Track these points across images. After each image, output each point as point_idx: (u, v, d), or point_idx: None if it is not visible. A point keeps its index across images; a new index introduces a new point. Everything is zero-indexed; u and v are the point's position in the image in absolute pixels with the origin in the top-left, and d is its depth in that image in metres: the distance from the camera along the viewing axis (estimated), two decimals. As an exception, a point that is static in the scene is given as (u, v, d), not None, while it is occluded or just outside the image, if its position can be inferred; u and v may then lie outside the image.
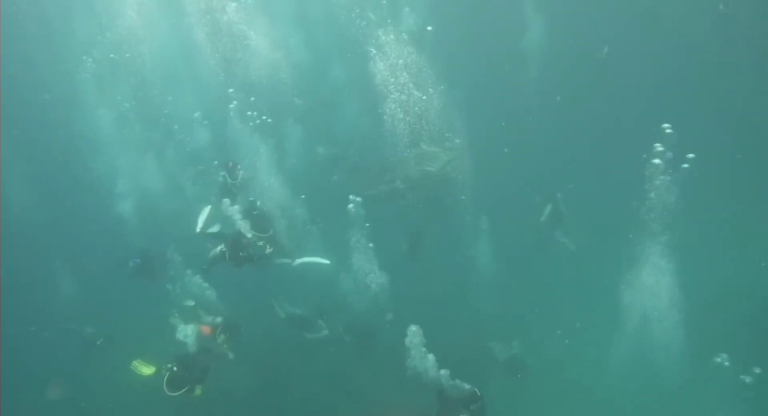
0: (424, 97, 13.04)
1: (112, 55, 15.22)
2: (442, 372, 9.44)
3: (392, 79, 12.82)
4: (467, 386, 7.94)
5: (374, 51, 12.77)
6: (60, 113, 17.02)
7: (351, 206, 11.53)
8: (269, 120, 14.06)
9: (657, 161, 10.38)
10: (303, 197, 13.57)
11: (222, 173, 11.84)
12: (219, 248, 10.20)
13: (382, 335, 11.60)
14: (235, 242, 9.92)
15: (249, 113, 13.73)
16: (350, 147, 16.92)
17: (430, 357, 9.50)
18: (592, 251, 14.51)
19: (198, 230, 11.25)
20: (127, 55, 15.11)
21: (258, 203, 11.17)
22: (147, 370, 8.89)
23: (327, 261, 11.16)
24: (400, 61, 12.81)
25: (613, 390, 11.79)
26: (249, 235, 10.45)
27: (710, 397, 10.82)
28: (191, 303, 10.79)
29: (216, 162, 13.55)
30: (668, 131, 10.14)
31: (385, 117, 13.24)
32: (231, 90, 13.72)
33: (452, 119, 14.62)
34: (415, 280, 13.27)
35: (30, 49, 16.79)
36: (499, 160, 16.49)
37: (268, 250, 10.12)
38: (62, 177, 18.05)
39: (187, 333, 10.39)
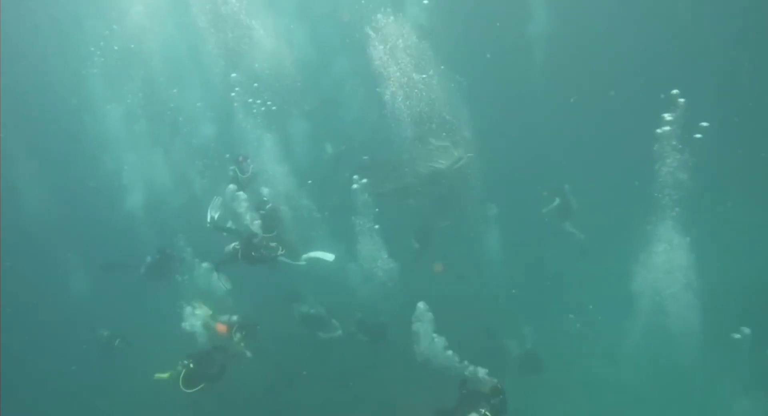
0: (427, 86, 12.76)
1: (115, 47, 15.10)
2: (449, 352, 9.23)
3: (395, 71, 12.56)
4: (488, 377, 7.66)
5: (373, 34, 12.53)
6: (68, 109, 17.00)
7: (355, 186, 11.31)
8: (274, 107, 13.87)
9: (666, 128, 9.90)
10: (309, 182, 13.38)
11: (232, 167, 11.65)
12: (233, 245, 10.00)
13: (394, 331, 11.24)
14: (247, 243, 9.73)
15: (251, 100, 13.45)
16: (357, 144, 16.56)
17: (440, 340, 9.29)
18: (602, 235, 14.11)
19: (208, 222, 10.85)
20: (132, 46, 15.05)
21: (268, 204, 10.98)
22: (165, 375, 8.52)
23: (331, 257, 10.61)
24: (402, 46, 12.54)
25: (628, 379, 11.52)
26: (258, 233, 10.21)
27: (731, 381, 10.42)
28: (209, 312, 10.45)
29: (227, 155, 13.35)
30: (680, 100, 9.59)
31: (391, 112, 12.94)
32: (234, 75, 13.55)
33: (459, 110, 14.21)
34: (426, 276, 12.97)
35: (36, 45, 16.83)
36: (508, 151, 16.07)
37: (281, 251, 9.77)
38: (70, 175, 18.05)
39: (194, 322, 10.13)
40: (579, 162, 15.72)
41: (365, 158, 15.51)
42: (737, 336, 10.60)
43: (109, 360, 12.35)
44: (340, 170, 16.00)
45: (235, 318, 9.71)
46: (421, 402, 7.35)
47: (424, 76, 12.43)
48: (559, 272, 14.45)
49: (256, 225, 10.33)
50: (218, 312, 10.25)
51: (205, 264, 11.63)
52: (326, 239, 13.12)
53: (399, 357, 10.66)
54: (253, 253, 9.58)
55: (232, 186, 10.98)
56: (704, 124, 9.62)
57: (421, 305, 9.25)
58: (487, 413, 6.25)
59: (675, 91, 9.34)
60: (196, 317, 10.43)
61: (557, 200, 13.82)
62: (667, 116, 9.70)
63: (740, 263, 13.57)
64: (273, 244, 9.74)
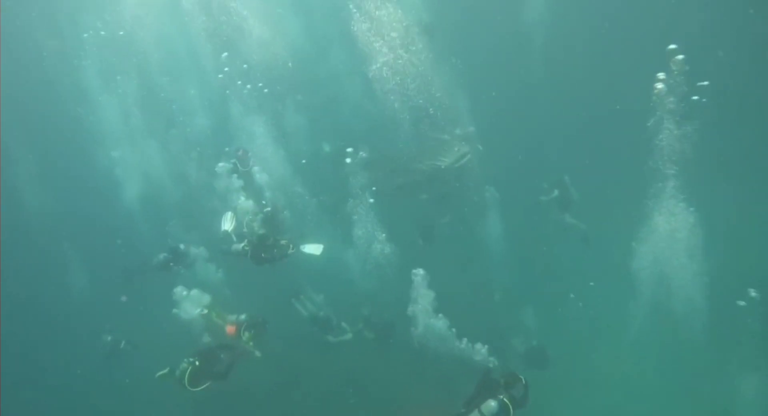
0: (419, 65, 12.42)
1: (102, 33, 14.56)
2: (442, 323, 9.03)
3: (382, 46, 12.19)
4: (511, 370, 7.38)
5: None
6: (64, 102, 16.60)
7: (348, 160, 10.93)
8: (266, 90, 13.48)
9: (660, 86, 9.18)
10: (303, 161, 13.01)
11: (233, 161, 11.59)
12: (242, 245, 9.65)
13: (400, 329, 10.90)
14: (259, 244, 9.43)
15: (240, 81, 13.10)
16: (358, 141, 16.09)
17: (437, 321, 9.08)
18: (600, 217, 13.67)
19: (222, 233, 10.64)
20: (121, 33, 14.59)
21: (267, 208, 10.67)
22: (165, 370, 8.13)
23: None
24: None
25: (633, 366, 11.42)
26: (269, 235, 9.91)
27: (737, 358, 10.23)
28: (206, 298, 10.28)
29: (227, 149, 12.90)
30: (678, 57, 8.74)
31: (389, 105, 12.67)
32: (225, 54, 13.21)
33: (454, 93, 13.89)
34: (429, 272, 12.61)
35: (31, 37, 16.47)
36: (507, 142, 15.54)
37: (291, 250, 9.48)
38: (67, 169, 17.66)
39: (188, 308, 9.95)
40: (577, 147, 15.26)
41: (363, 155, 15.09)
42: (741, 303, 10.22)
43: (115, 363, 12.00)
44: (338, 167, 15.60)
45: (243, 316, 9.40)
46: (430, 402, 7.04)
47: (412, 48, 12.03)
48: (560, 259, 14.19)
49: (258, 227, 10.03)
50: (216, 301, 10.07)
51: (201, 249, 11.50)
52: (323, 225, 13.08)
53: (405, 354, 10.52)
54: (263, 254, 9.35)
55: (221, 164, 11.07)
56: (704, 83, 9.08)
57: (419, 273, 8.92)
58: (506, 400, 6.25)
59: (672, 47, 8.87)
60: (191, 301, 10.12)
61: (555, 192, 13.36)
62: (662, 76, 9.18)
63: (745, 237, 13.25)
64: (283, 242, 9.48)
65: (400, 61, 12.26)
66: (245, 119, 13.81)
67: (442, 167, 13.45)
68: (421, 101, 12.70)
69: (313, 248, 9.80)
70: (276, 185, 12.41)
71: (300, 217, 12.99)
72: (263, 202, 10.94)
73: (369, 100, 15.20)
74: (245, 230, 9.93)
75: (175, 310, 10.22)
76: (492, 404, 6.24)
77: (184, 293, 10.08)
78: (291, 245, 9.46)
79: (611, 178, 14.58)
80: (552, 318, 12.80)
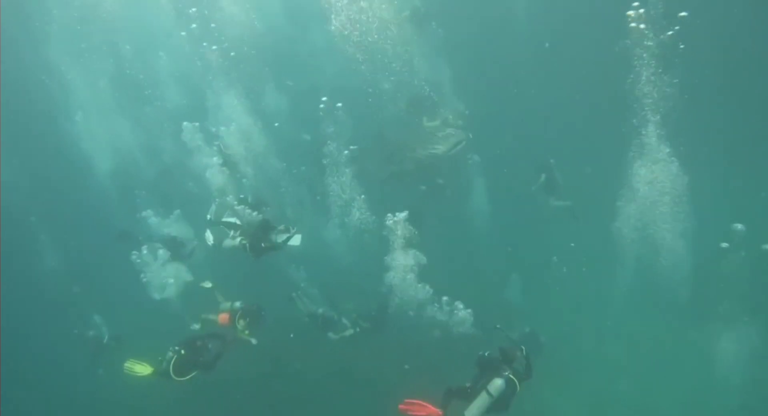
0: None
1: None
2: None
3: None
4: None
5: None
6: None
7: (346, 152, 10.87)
8: (232, 53, 12.75)
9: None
10: (276, 125, 12.43)
11: (217, 143, 11.47)
12: (239, 240, 9.02)
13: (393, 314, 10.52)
14: (261, 232, 8.77)
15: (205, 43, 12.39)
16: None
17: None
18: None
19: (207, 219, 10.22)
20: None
21: (249, 200, 10.28)
22: (143, 369, 7.51)
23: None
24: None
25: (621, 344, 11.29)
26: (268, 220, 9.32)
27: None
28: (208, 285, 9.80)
29: (213, 129, 12.38)
30: None
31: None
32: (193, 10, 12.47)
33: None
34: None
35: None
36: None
37: (293, 230, 8.88)
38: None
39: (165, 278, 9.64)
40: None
41: (353, 147, 13.81)
42: (724, 245, 9.94)
43: (100, 359, 11.30)
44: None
45: (237, 304, 8.92)
46: (429, 383, 6.62)
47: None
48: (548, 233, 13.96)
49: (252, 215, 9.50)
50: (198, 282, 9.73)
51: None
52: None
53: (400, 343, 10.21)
54: (263, 244, 8.68)
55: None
56: (683, 14, 8.42)
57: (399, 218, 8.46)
58: (512, 375, 6.01)
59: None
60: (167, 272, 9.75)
61: (543, 177, 12.88)
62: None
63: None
64: (281, 227, 8.88)
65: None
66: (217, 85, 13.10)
67: (438, 153, 13.07)
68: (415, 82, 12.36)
69: (293, 239, 9.18)
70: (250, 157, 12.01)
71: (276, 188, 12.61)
72: (242, 196, 10.46)
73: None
74: (235, 220, 9.38)
75: (143, 277, 9.92)
76: (498, 382, 5.97)
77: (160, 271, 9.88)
78: (291, 228, 8.83)
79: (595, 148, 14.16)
80: (539, 294, 12.68)
